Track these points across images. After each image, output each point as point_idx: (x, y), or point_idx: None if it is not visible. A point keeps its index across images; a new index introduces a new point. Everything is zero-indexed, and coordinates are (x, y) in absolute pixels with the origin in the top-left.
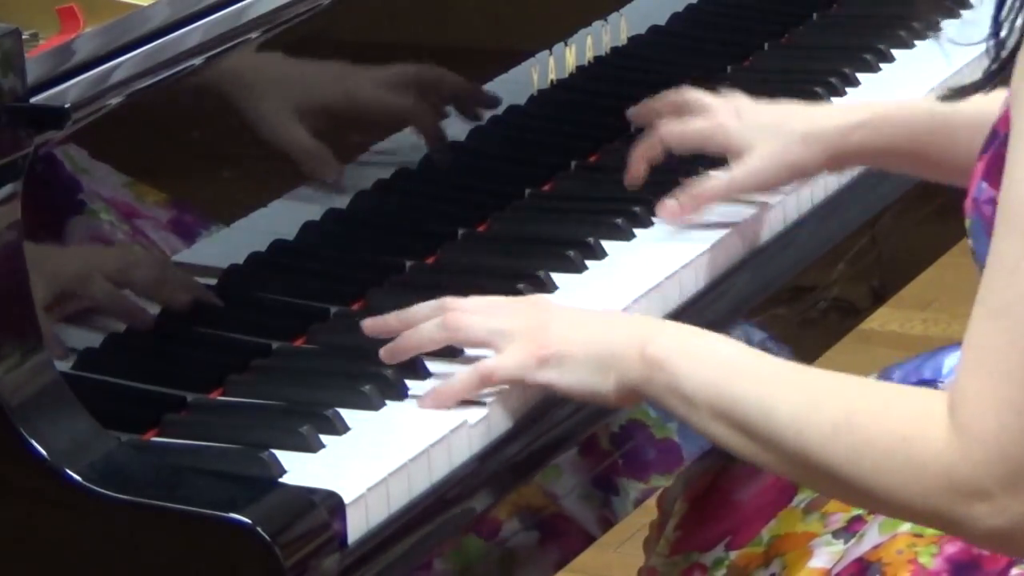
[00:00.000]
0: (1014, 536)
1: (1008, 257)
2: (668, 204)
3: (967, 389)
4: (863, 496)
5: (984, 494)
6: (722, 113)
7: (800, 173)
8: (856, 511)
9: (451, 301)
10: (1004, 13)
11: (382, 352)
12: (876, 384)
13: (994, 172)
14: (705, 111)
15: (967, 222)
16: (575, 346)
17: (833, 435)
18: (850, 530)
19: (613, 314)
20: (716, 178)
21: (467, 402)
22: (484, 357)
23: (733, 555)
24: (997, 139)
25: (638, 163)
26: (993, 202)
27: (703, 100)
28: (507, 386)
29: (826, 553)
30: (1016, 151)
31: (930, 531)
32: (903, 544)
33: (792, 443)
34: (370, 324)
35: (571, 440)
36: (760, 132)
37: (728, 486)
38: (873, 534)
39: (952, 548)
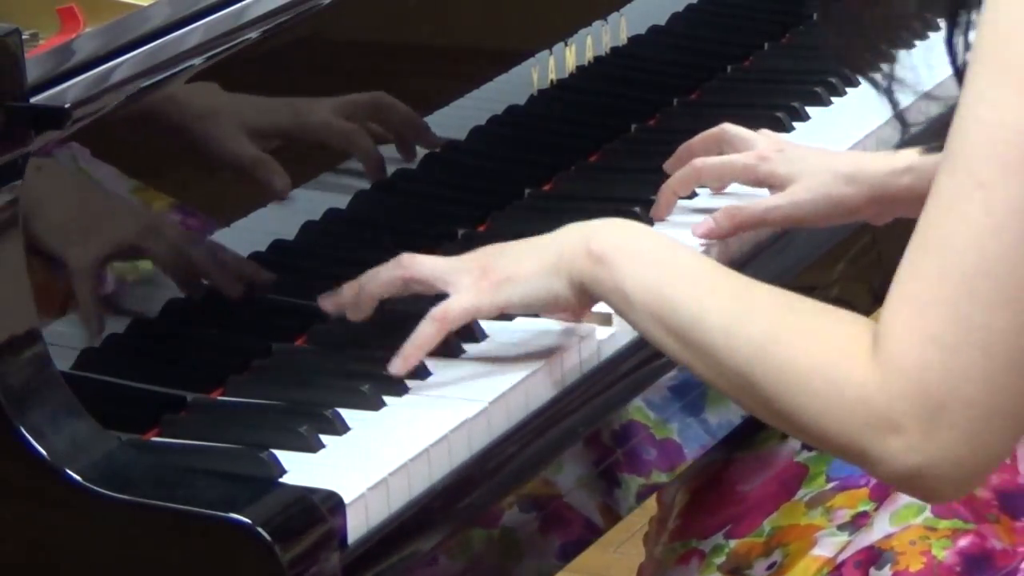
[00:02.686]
0: (923, 476)
1: (946, 193)
2: (704, 224)
3: (893, 321)
4: (783, 418)
5: (899, 428)
6: (764, 147)
7: (843, 212)
8: (862, 507)
9: (404, 253)
10: (956, 35)
11: (349, 313)
12: (810, 303)
13: None
14: (745, 146)
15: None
16: (523, 262)
17: (760, 349)
18: (856, 524)
19: (563, 228)
20: (757, 203)
21: (467, 401)
22: (489, 355)
23: (733, 543)
24: None
25: (669, 197)
26: None
27: (743, 134)
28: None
29: (830, 544)
30: (964, 99)
31: (943, 524)
32: (915, 535)
33: (722, 353)
34: (324, 300)
35: (572, 440)
36: (804, 167)
37: (731, 478)
38: (884, 523)
39: (965, 542)
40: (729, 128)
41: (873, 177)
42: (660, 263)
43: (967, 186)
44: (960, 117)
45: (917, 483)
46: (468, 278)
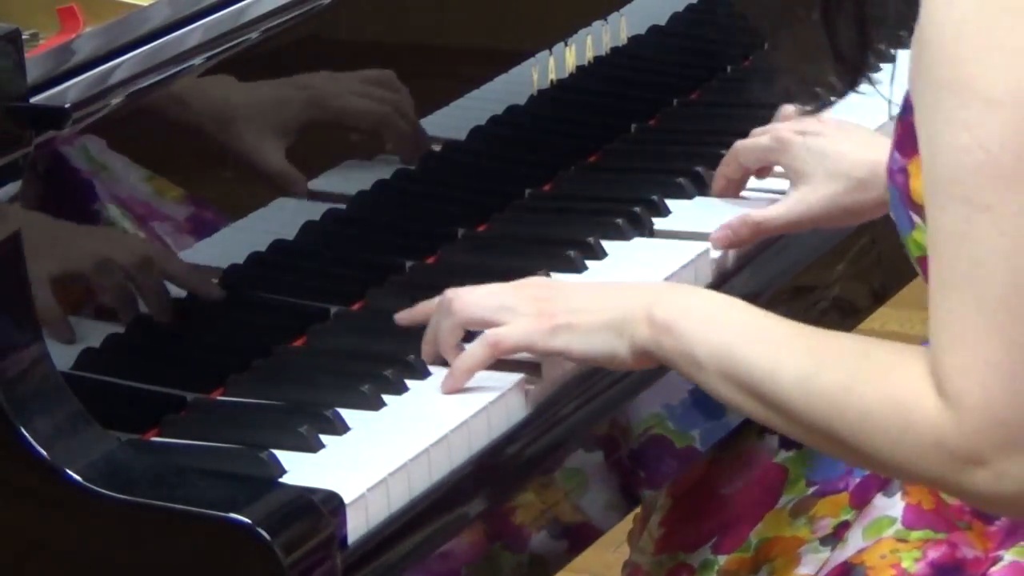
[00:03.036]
0: (1020, 498)
1: (949, 228)
2: (722, 233)
3: (945, 365)
4: (872, 464)
5: (981, 461)
6: (784, 129)
7: (853, 217)
8: (844, 516)
9: (451, 291)
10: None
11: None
12: (880, 347)
13: (905, 141)
14: (770, 129)
15: (886, 192)
16: (584, 314)
17: (836, 400)
18: (837, 536)
19: (618, 283)
20: (771, 214)
21: (467, 401)
22: None
23: (722, 559)
24: (905, 106)
25: (721, 180)
26: (904, 171)
27: (770, 125)
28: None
29: (813, 560)
30: (928, 130)
31: (914, 536)
32: (887, 549)
33: (798, 407)
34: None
35: (572, 440)
36: (819, 164)
37: (712, 480)
38: (857, 539)
39: (935, 553)
40: (740, 147)
41: (884, 182)
42: (727, 325)
43: (970, 214)
44: (933, 150)
45: (1017, 505)
46: (525, 309)
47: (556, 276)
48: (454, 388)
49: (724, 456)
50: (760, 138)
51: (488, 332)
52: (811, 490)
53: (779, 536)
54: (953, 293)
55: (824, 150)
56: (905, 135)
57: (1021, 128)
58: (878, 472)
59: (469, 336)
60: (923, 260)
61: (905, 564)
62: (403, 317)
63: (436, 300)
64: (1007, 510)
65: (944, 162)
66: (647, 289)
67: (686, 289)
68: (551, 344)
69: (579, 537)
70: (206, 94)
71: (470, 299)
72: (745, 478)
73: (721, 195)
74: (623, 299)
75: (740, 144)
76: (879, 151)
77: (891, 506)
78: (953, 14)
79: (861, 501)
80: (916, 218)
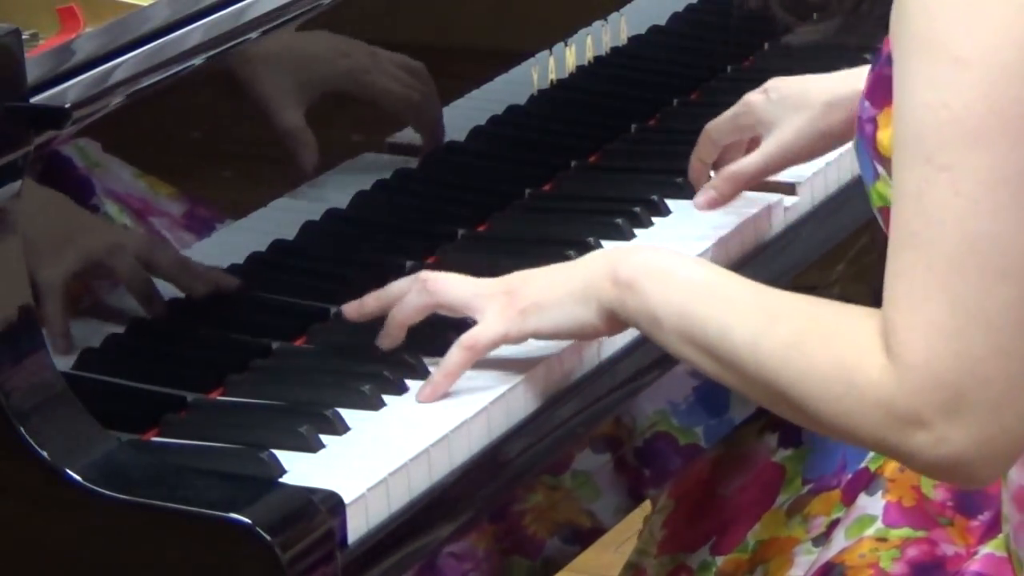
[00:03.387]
0: (959, 464)
1: (911, 185)
2: (706, 194)
3: (894, 320)
4: (815, 423)
5: (923, 423)
6: (747, 95)
7: (830, 139)
8: (836, 515)
9: (425, 272)
10: None
11: (378, 341)
12: (830, 306)
13: (877, 91)
14: (729, 131)
15: (853, 141)
16: (551, 290)
17: (784, 357)
18: (829, 535)
19: (583, 258)
20: (749, 159)
21: (467, 401)
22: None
23: (720, 560)
24: (881, 58)
25: (698, 167)
26: (873, 121)
27: (723, 116)
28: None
29: (804, 562)
30: (900, 85)
31: (894, 535)
32: (866, 548)
33: (749, 364)
34: (349, 308)
35: (572, 439)
36: (785, 106)
37: (712, 480)
38: (840, 538)
39: (914, 551)
40: (710, 126)
41: (847, 98)
42: (685, 283)
43: (929, 173)
44: (902, 106)
45: (955, 472)
46: (495, 304)
47: None
48: (434, 396)
49: (724, 456)
50: (728, 111)
51: (463, 336)
52: (806, 488)
53: (776, 537)
54: (906, 251)
55: (785, 95)
56: (877, 85)
57: (987, 91)
58: (825, 434)
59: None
60: (884, 211)
61: (883, 564)
62: (350, 310)
63: (397, 287)
64: (945, 475)
65: (910, 118)
66: (610, 253)
67: (648, 249)
68: (524, 328)
69: (581, 537)
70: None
71: (448, 284)
72: (744, 477)
73: (697, 180)
74: (587, 266)
75: (710, 125)
76: (838, 79)
77: (872, 504)
78: None
79: (851, 499)
80: (880, 168)
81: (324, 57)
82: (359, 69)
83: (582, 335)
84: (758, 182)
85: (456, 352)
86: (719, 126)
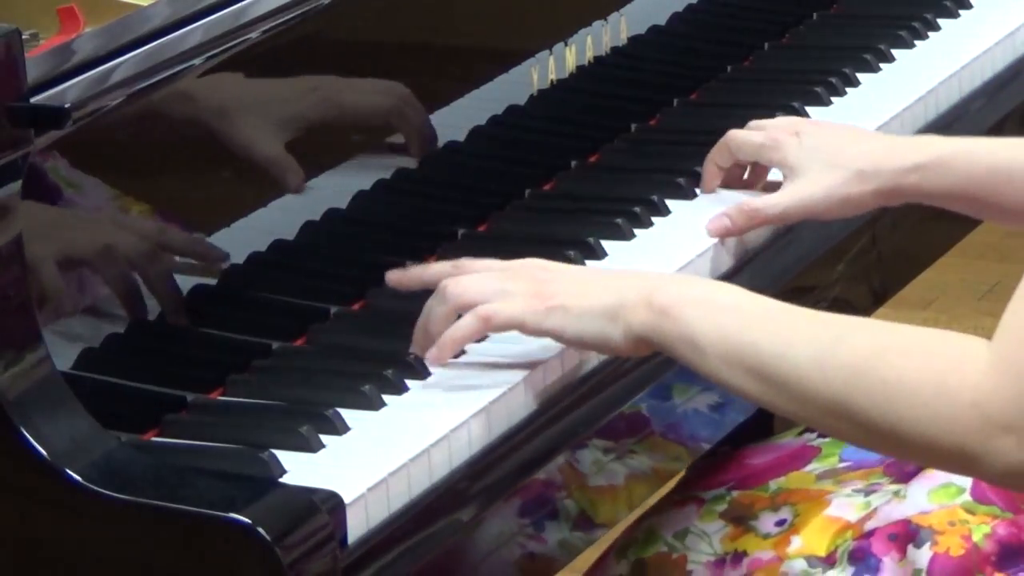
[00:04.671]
0: None
1: None
2: (719, 221)
3: (1010, 323)
4: (884, 435)
5: (1011, 428)
6: (779, 129)
7: (851, 207)
8: (874, 479)
9: (463, 261)
10: None
11: (428, 356)
12: (907, 326)
13: None
14: (765, 126)
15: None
16: (581, 297)
17: (859, 371)
18: (871, 491)
19: (618, 270)
20: (770, 202)
21: (467, 401)
22: (487, 356)
23: (736, 494)
24: None
25: (712, 169)
26: None
27: (763, 121)
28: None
29: (847, 505)
30: None
31: (982, 509)
32: (955, 517)
33: (813, 383)
34: (393, 276)
35: (572, 439)
36: (815, 158)
37: (740, 456)
38: (920, 499)
39: (1003, 530)
40: (735, 139)
41: (882, 174)
42: (731, 309)
43: None
44: None
45: (1021, 480)
46: (521, 287)
47: None
48: (439, 359)
49: (755, 445)
50: (754, 134)
51: (481, 306)
52: (843, 464)
53: (803, 488)
54: None
55: (819, 146)
56: None
57: None
58: (890, 449)
59: None
60: None
61: (975, 537)
62: (396, 276)
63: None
64: (1016, 481)
65: None
66: (647, 276)
67: (686, 277)
68: (544, 324)
69: (580, 536)
70: (208, 87)
71: (467, 282)
72: (775, 453)
73: (709, 183)
74: (621, 285)
75: (734, 134)
76: (874, 143)
77: (957, 476)
78: None
79: (898, 472)
80: None
81: (288, 94)
82: (332, 92)
83: (602, 350)
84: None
85: (470, 319)
86: (742, 144)
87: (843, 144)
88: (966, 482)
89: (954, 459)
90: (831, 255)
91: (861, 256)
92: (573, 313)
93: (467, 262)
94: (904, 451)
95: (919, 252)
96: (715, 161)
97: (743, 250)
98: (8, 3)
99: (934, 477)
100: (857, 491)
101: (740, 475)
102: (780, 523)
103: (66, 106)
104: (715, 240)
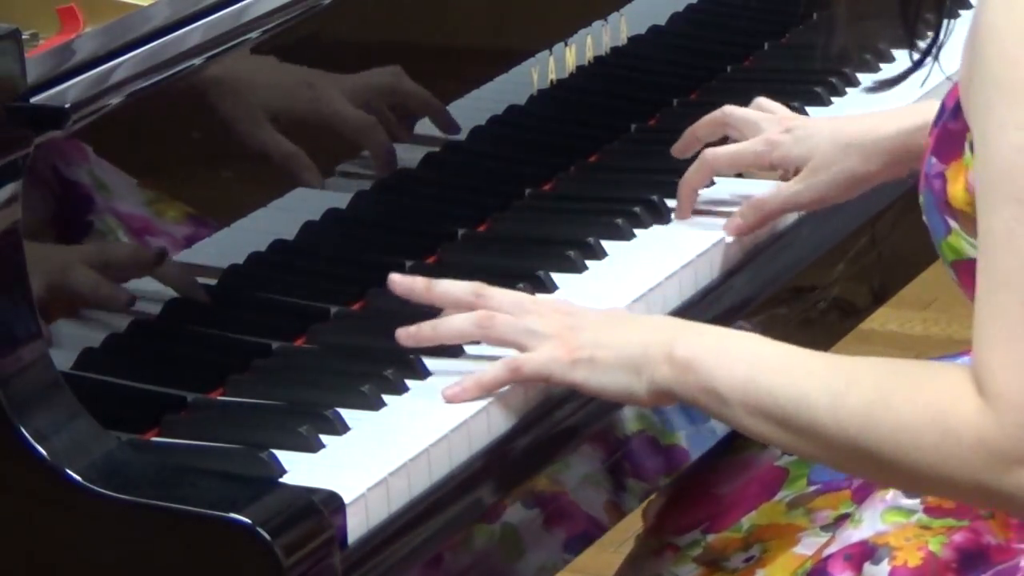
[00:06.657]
0: None
1: (999, 228)
2: (733, 222)
3: (990, 361)
4: (906, 477)
5: (1022, 459)
6: (770, 129)
7: (862, 183)
8: (844, 508)
9: (484, 289)
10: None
11: (399, 333)
12: (904, 363)
13: (943, 146)
14: (750, 128)
15: (920, 198)
16: (605, 349)
17: (869, 415)
18: (839, 525)
19: (639, 316)
20: (782, 193)
21: (467, 402)
22: (487, 356)
23: (710, 537)
24: (944, 113)
25: (688, 193)
26: (942, 176)
27: (747, 117)
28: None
29: (812, 544)
30: (982, 132)
31: (937, 524)
32: (911, 533)
33: (830, 430)
34: (404, 335)
35: (572, 439)
36: (815, 145)
37: (709, 481)
38: (874, 521)
39: (959, 537)
40: (731, 111)
41: (887, 141)
42: (749, 357)
43: (1019, 213)
44: (987, 151)
45: None
46: (548, 333)
47: (556, 276)
48: (458, 399)
49: (724, 461)
50: (746, 144)
51: (511, 358)
52: (811, 488)
53: (774, 523)
54: (1000, 292)
55: (812, 135)
56: (943, 139)
57: None
58: (917, 490)
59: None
60: (957, 264)
61: (932, 547)
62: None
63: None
64: None
65: (997, 162)
66: (665, 327)
67: (702, 327)
68: (569, 376)
69: (555, 509)
70: (209, 87)
71: (503, 320)
72: (743, 479)
73: (684, 207)
74: (643, 336)
75: (715, 154)
76: (867, 118)
77: (909, 497)
78: (1013, 16)
79: (864, 497)
80: (952, 223)
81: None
82: (322, 98)
83: (626, 402)
84: (780, 214)
85: (501, 369)
86: (732, 161)
87: (838, 124)
88: (915, 503)
89: (977, 494)
90: (831, 255)
91: (861, 256)
92: (599, 367)
93: (487, 290)
94: (930, 491)
95: (919, 252)
96: (692, 186)
97: (743, 250)
98: (8, 3)
99: (885, 501)
100: (827, 527)
101: (712, 511)
102: (748, 559)
103: (66, 106)
104: (715, 240)
